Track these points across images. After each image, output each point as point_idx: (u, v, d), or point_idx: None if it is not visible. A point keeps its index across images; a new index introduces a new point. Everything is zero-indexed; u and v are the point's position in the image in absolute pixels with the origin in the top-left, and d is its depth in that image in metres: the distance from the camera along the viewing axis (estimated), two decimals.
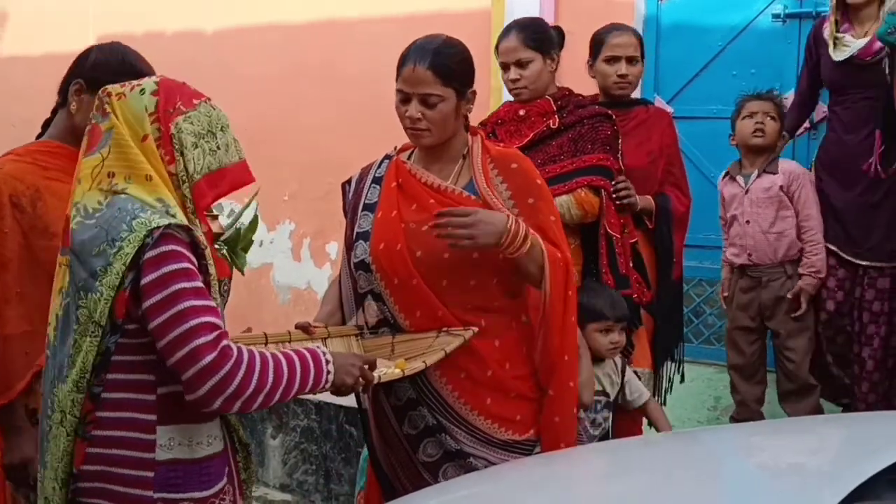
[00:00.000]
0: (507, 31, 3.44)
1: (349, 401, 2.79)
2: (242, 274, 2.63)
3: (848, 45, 3.72)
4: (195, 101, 2.15)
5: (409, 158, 2.73)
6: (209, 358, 1.95)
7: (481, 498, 2.18)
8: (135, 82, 2.16)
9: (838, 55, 3.74)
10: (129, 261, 1.96)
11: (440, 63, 2.54)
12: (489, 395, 2.59)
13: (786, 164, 3.91)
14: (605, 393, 3.13)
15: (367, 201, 2.72)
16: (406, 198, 2.64)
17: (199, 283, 2.01)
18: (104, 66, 2.59)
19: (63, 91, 2.66)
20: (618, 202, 3.35)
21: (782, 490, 1.99)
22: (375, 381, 2.31)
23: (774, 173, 3.86)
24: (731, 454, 2.43)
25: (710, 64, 4.62)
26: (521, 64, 3.36)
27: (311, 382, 2.10)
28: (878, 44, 3.53)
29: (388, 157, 2.78)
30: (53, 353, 2.11)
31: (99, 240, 2.01)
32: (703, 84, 4.62)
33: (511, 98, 3.53)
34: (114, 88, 2.15)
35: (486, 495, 2.19)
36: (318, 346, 2.20)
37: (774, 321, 3.90)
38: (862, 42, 3.68)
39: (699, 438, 2.80)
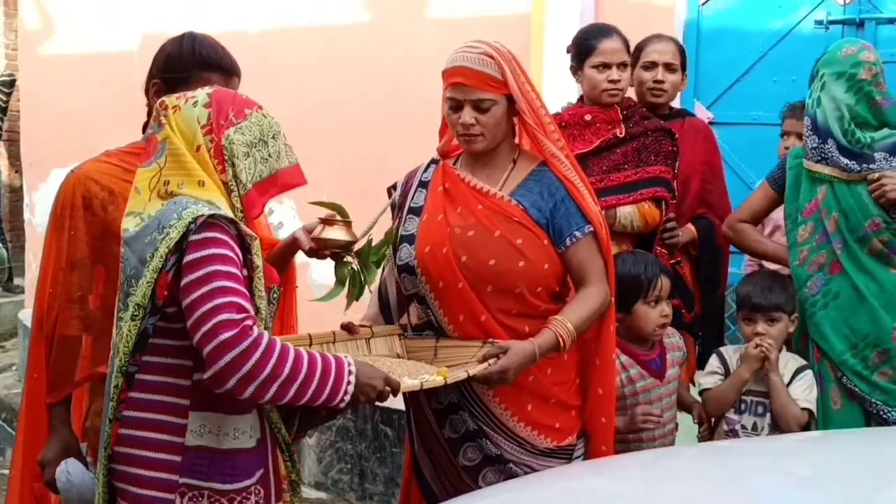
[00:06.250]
0: (608, 31, 3.34)
1: (386, 401, 2.81)
2: (370, 291, 2.57)
3: None
4: (247, 111, 2.20)
5: (455, 163, 2.74)
6: (228, 334, 1.96)
7: None
8: (189, 94, 2.21)
9: None
10: (172, 244, 2.02)
11: (494, 68, 2.53)
12: (530, 402, 2.61)
13: None
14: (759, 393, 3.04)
15: (412, 205, 2.74)
16: (452, 202, 2.65)
17: (234, 269, 2.05)
18: (177, 60, 2.57)
19: (147, 92, 2.62)
20: (664, 243, 3.32)
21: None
22: (417, 388, 2.32)
23: None
24: (774, 465, 2.41)
25: (751, 70, 4.59)
26: (622, 66, 3.31)
27: (328, 390, 2.07)
28: None
29: (434, 161, 2.79)
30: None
31: (150, 229, 2.07)
32: (743, 90, 4.60)
33: (571, 99, 3.45)
34: (170, 101, 2.20)
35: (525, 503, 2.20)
36: (345, 357, 2.18)
37: None
38: None
39: (734, 450, 2.79)
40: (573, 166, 2.64)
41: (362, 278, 2.48)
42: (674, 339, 3.14)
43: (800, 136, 3.65)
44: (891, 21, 4.29)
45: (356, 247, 2.51)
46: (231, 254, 2.06)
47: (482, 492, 2.46)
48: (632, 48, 3.46)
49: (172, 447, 2.06)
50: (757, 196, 3.46)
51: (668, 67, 3.56)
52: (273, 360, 2.00)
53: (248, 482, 2.11)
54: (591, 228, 2.59)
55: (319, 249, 2.49)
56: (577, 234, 2.59)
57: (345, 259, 2.47)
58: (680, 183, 3.45)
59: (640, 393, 3.01)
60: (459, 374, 2.37)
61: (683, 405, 3.20)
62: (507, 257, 2.55)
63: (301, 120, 5.23)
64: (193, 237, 2.03)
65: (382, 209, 2.61)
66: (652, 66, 3.56)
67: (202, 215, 2.04)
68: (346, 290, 2.51)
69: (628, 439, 2.98)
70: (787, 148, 3.70)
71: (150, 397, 2.06)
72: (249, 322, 2.00)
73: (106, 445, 2.08)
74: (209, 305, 1.99)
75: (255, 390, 1.99)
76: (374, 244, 2.54)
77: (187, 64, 2.55)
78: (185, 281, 2.02)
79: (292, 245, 2.58)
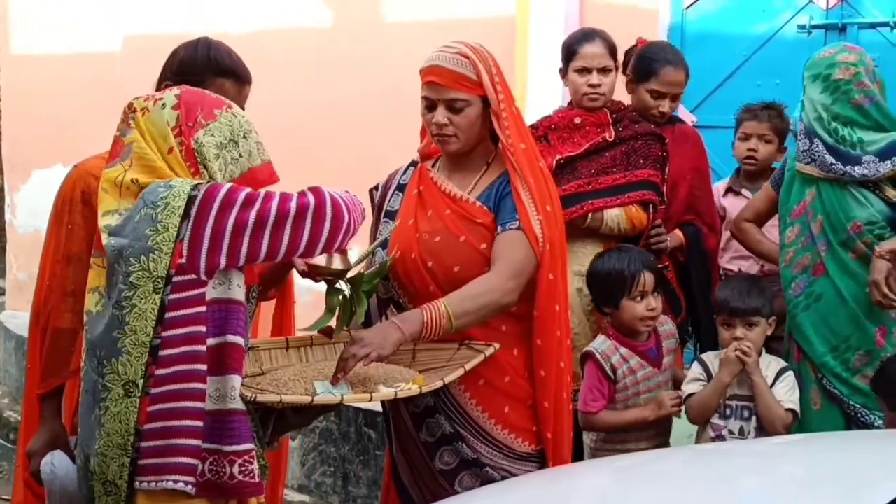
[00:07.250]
0: (590, 36, 3.35)
1: (368, 404, 2.80)
2: (359, 323, 2.48)
3: None
4: (216, 112, 2.18)
5: (433, 166, 2.73)
6: (311, 200, 2.09)
7: None
8: (157, 96, 2.19)
9: None
10: (181, 213, 2.03)
11: (469, 68, 2.52)
12: (507, 403, 2.59)
13: None
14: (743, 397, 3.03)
15: (388, 208, 2.73)
16: (424, 206, 2.64)
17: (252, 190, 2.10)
18: (191, 64, 2.58)
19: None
20: (651, 248, 3.30)
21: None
22: (393, 397, 2.32)
23: None
24: (759, 468, 2.41)
25: (735, 74, 4.61)
26: (604, 71, 3.30)
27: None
28: None
29: (413, 163, 2.78)
30: (92, 347, 2.13)
31: (137, 209, 2.07)
32: (726, 94, 4.61)
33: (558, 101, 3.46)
34: (139, 103, 2.18)
35: None
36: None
37: None
38: None
39: (717, 453, 2.79)
40: (525, 175, 2.55)
41: (353, 307, 2.43)
42: (667, 327, 3.16)
43: (760, 138, 3.69)
44: (872, 25, 4.32)
45: (349, 274, 2.46)
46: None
47: (460, 497, 2.44)
48: (620, 53, 3.45)
49: (196, 413, 2.06)
50: (760, 196, 3.50)
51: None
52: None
53: (249, 445, 2.10)
54: (520, 226, 2.51)
55: (312, 274, 2.45)
56: (500, 228, 2.53)
57: (336, 286, 2.44)
58: (668, 188, 3.44)
59: (640, 382, 3.04)
60: (435, 383, 2.35)
61: (678, 384, 3.19)
62: (471, 264, 2.53)
63: (301, 120, 5.25)
64: (199, 198, 2.05)
65: (377, 242, 2.59)
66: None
67: (199, 183, 2.07)
68: (335, 317, 2.46)
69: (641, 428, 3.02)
70: (749, 150, 3.71)
71: (173, 369, 2.06)
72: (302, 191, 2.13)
73: (136, 429, 2.05)
74: (273, 209, 2.06)
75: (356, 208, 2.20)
76: (366, 274, 2.49)
77: (201, 69, 2.56)
78: (227, 233, 2.04)
79: (287, 264, 2.54)
